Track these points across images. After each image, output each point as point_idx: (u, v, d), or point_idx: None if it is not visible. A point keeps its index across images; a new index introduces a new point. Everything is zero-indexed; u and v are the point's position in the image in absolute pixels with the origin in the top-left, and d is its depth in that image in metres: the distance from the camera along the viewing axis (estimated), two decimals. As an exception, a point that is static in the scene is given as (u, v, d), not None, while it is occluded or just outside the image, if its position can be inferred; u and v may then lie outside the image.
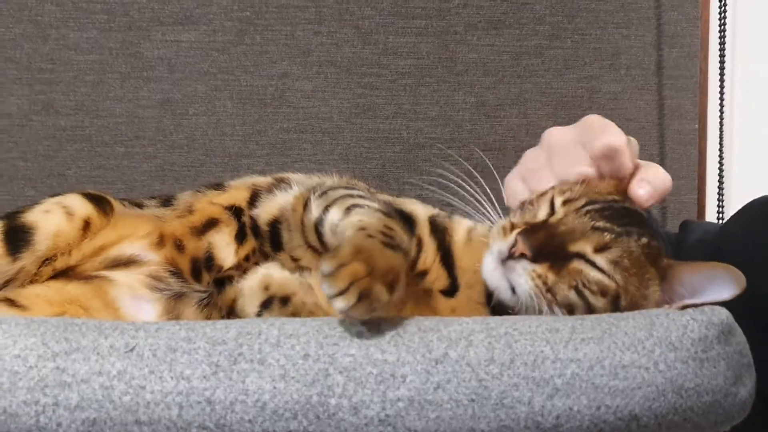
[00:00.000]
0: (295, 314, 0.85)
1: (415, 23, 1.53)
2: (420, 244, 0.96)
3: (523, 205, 0.95)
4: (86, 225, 0.96)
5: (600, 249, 0.85)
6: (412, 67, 1.54)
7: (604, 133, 0.96)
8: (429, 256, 0.96)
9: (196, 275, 0.99)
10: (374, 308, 0.72)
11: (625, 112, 1.57)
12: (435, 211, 1.01)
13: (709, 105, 1.60)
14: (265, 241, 1.01)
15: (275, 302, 0.87)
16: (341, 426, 0.71)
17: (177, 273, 0.98)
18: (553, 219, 0.88)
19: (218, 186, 1.08)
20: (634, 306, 0.84)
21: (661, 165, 1.53)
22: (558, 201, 0.90)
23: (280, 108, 1.53)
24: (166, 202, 1.06)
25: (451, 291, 0.94)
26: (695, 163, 1.59)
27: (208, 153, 1.53)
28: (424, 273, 0.95)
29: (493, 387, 0.72)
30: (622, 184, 0.95)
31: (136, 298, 0.95)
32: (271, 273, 0.90)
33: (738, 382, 0.77)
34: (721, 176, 1.54)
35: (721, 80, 1.55)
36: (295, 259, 0.98)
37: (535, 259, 0.84)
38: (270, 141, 1.54)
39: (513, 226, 0.88)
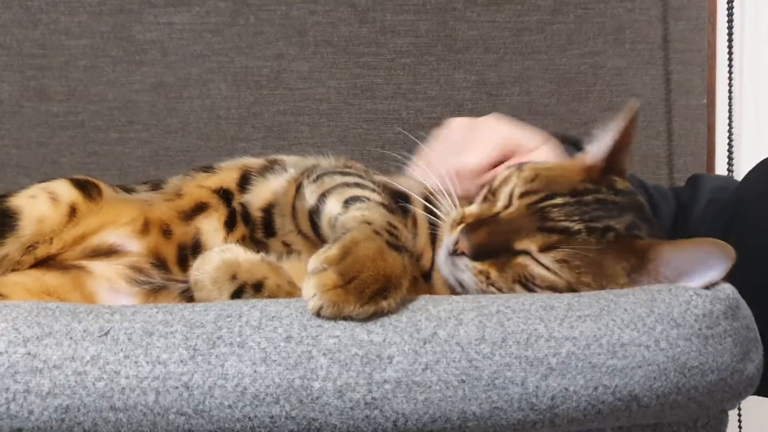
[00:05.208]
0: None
1: (413, 0, 1.49)
2: (415, 225, 0.93)
3: (485, 191, 0.92)
4: (72, 211, 0.94)
5: (545, 249, 0.82)
6: (410, 46, 1.51)
7: (465, 149, 0.98)
8: (423, 237, 0.92)
9: (183, 263, 0.95)
10: (345, 316, 0.70)
11: (630, 88, 1.53)
12: (425, 186, 0.97)
13: (717, 79, 1.55)
14: (257, 227, 0.97)
15: (247, 291, 0.81)
16: (325, 410, 0.68)
17: (160, 264, 0.95)
18: (504, 214, 0.86)
19: (208, 168, 1.04)
20: None
21: (669, 141, 1.53)
22: (516, 192, 0.87)
23: (276, 90, 1.50)
24: (156, 186, 1.03)
25: (429, 274, 0.92)
26: (704, 138, 1.55)
27: (203, 137, 1.50)
28: (419, 256, 0.92)
29: (485, 367, 0.69)
30: (594, 169, 0.91)
31: (114, 291, 0.92)
32: (236, 258, 0.83)
33: (745, 358, 0.73)
34: (730, 152, 1.50)
35: (730, 53, 1.50)
36: (286, 244, 0.95)
37: (477, 256, 0.83)
38: (266, 124, 1.51)
39: (462, 219, 0.87)
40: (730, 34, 1.50)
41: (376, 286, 0.71)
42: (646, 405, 0.70)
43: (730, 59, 1.51)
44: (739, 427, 1.54)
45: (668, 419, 0.74)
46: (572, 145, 1.06)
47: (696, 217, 1.02)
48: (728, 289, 0.75)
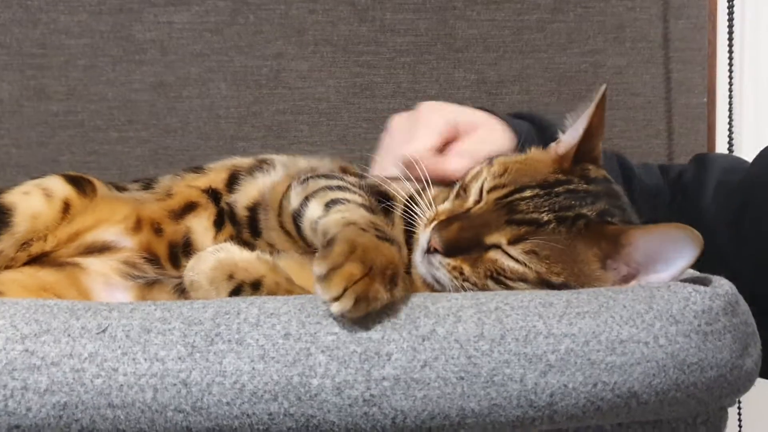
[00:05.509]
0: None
1: (412, -1, 1.50)
2: (393, 221, 0.93)
3: (458, 187, 0.92)
4: (66, 206, 0.94)
5: (514, 241, 0.82)
6: (410, 45, 1.51)
7: (412, 137, 0.99)
8: (397, 232, 0.92)
9: (174, 260, 0.96)
10: (374, 307, 0.69)
11: (631, 87, 1.53)
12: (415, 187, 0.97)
13: (717, 78, 1.55)
14: (243, 227, 0.98)
15: (246, 289, 0.80)
16: (324, 407, 0.68)
17: (153, 259, 0.95)
18: (474, 209, 0.86)
19: (197, 169, 1.05)
20: (581, 285, 0.81)
21: (669, 140, 1.53)
22: (486, 187, 0.87)
23: (276, 89, 1.50)
24: (147, 185, 1.04)
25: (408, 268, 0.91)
26: (704, 137, 1.55)
27: (202, 136, 1.50)
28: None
29: (483, 364, 0.68)
30: (565, 158, 0.90)
31: (109, 286, 0.92)
32: (232, 257, 0.82)
33: (744, 353, 0.73)
34: (730, 151, 1.50)
35: (730, 52, 1.50)
36: (270, 244, 0.95)
37: (449, 252, 0.83)
38: (266, 123, 1.51)
39: (435, 217, 0.87)
40: (730, 33, 1.50)
41: (390, 271, 0.71)
42: (645, 402, 0.70)
43: (731, 58, 1.50)
44: (740, 426, 1.53)
45: (667, 416, 0.74)
46: (544, 128, 1.07)
47: (704, 200, 1.01)
48: (726, 285, 0.75)
